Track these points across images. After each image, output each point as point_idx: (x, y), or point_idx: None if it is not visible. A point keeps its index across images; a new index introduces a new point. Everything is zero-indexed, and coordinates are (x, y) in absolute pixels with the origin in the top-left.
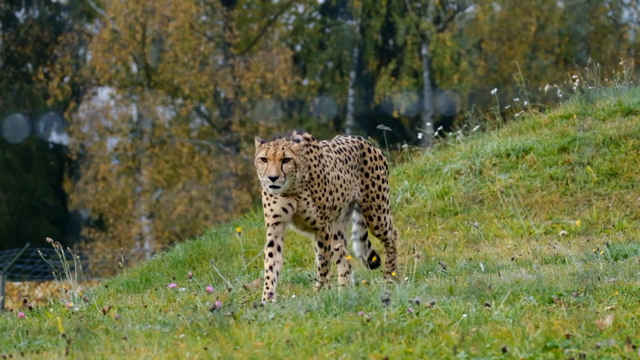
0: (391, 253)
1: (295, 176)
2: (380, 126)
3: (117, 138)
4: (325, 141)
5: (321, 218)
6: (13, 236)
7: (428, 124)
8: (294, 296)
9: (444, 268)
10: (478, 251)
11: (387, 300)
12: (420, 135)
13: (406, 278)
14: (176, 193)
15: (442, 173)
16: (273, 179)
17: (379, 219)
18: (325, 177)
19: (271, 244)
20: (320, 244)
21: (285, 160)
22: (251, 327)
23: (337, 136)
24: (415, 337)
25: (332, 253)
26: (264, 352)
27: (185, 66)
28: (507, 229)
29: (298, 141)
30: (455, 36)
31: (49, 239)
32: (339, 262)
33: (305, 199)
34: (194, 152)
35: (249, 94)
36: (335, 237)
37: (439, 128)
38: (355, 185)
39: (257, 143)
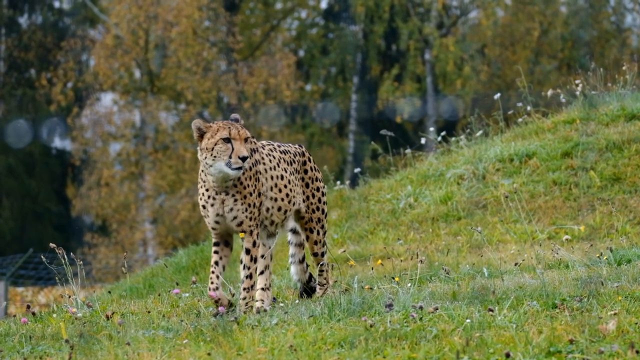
0: (324, 285)
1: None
2: (383, 131)
3: (120, 143)
4: (270, 141)
5: (250, 220)
6: (16, 242)
7: (431, 129)
8: (297, 301)
9: (447, 273)
10: (481, 256)
11: (390, 306)
12: (423, 141)
13: (409, 284)
14: (179, 198)
15: (445, 178)
16: (244, 158)
17: (318, 232)
18: (256, 176)
19: (217, 244)
20: (247, 251)
21: (246, 139)
22: (254, 332)
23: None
24: (418, 343)
25: (256, 267)
26: (268, 358)
27: (188, 71)
28: (511, 234)
29: (237, 120)
30: (458, 41)
31: (52, 245)
32: (262, 273)
33: (233, 196)
34: (197, 158)
35: (252, 100)
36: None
37: (442, 133)
38: (299, 193)
39: (202, 125)
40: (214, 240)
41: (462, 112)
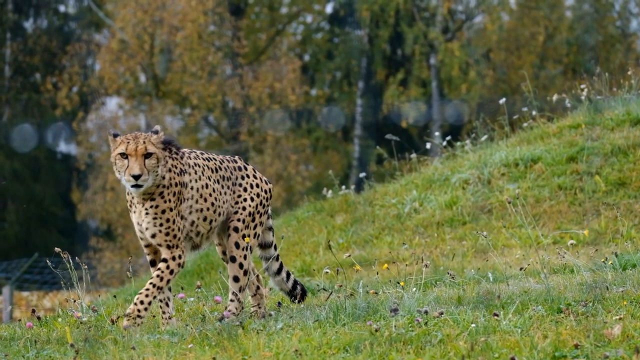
0: (233, 302)
1: (157, 172)
2: (388, 136)
3: None
4: (194, 149)
5: (166, 235)
6: (21, 246)
7: (436, 133)
8: (302, 306)
9: (453, 278)
10: (486, 261)
11: (395, 310)
12: (428, 145)
13: (414, 288)
14: None
15: (450, 183)
16: (136, 177)
17: (237, 245)
18: (179, 190)
19: (153, 263)
20: (165, 260)
21: (147, 155)
22: (259, 337)
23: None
24: (423, 347)
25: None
26: None
27: (193, 76)
28: (516, 239)
29: (157, 132)
30: (463, 46)
31: (57, 249)
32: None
33: (147, 210)
34: None
35: (257, 104)
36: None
37: (447, 138)
38: (226, 201)
39: (109, 138)
40: (149, 258)
41: (468, 117)
